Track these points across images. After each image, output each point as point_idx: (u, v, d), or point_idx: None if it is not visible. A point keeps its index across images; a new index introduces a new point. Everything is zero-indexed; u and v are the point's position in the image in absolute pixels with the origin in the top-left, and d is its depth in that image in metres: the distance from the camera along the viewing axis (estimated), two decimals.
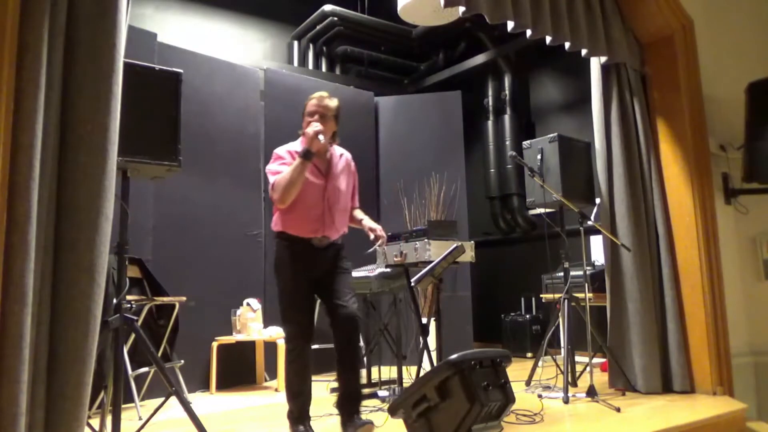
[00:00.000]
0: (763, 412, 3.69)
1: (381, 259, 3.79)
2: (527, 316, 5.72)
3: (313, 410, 3.24)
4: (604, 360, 4.16)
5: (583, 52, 3.58)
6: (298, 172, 2.63)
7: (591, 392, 3.25)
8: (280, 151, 2.84)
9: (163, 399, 2.49)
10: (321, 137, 2.64)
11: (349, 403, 2.73)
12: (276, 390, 4.16)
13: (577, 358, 3.94)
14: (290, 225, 2.76)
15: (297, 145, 2.82)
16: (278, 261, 2.77)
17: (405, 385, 3.63)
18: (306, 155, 2.63)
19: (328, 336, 3.23)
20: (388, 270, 3.72)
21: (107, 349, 2.38)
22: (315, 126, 2.66)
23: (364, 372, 4.39)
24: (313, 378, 4.62)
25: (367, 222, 2.94)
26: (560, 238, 3.80)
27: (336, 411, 2.82)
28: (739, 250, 3.87)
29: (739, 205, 3.88)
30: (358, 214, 3.03)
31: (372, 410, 3.26)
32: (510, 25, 3.16)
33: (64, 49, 1.91)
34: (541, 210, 3.92)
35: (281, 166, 2.74)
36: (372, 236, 2.89)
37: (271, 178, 2.72)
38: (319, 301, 2.90)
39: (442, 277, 3.74)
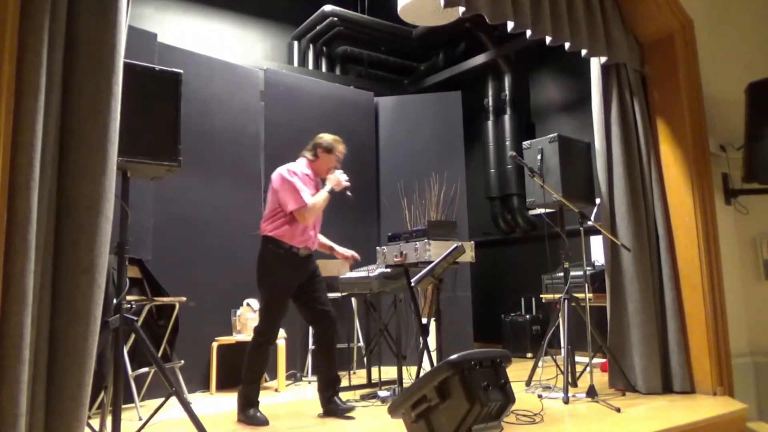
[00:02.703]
0: (763, 412, 3.69)
1: (381, 260, 3.79)
2: (527, 317, 5.72)
3: (313, 409, 3.25)
4: (604, 360, 4.15)
5: (583, 52, 3.58)
6: (326, 203, 3.20)
7: (591, 392, 3.25)
8: (297, 171, 3.22)
9: (163, 399, 2.49)
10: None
11: (330, 387, 3.19)
12: (276, 390, 4.16)
13: (577, 359, 3.93)
14: (287, 234, 3.15)
15: (303, 168, 3.26)
16: (268, 266, 3.18)
17: (405, 385, 3.63)
18: (332, 192, 3.22)
19: None
20: (388, 270, 3.72)
21: (107, 350, 2.38)
22: (346, 180, 3.26)
23: (364, 372, 4.40)
24: (313, 378, 4.68)
25: (341, 250, 3.51)
26: (560, 238, 3.79)
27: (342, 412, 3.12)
28: (739, 250, 3.87)
29: (739, 206, 3.88)
30: (322, 237, 3.47)
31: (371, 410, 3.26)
32: (510, 25, 3.16)
33: (65, 49, 1.91)
34: (541, 210, 3.91)
35: (306, 186, 3.19)
36: (349, 261, 3.53)
37: (306, 197, 3.12)
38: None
39: (442, 278, 3.73)
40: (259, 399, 3.13)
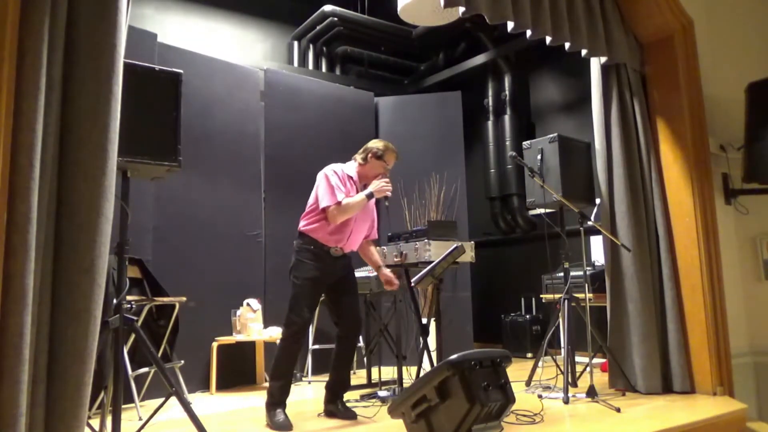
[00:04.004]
0: (763, 412, 3.70)
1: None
2: (527, 317, 5.72)
3: (314, 409, 3.25)
4: (604, 360, 4.15)
5: (583, 52, 3.58)
6: (361, 207, 3.13)
7: (591, 392, 3.25)
8: (339, 171, 3.19)
9: (163, 399, 2.49)
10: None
11: (338, 388, 3.19)
12: None
13: (577, 359, 3.93)
14: (318, 231, 3.11)
15: (348, 170, 3.23)
16: (296, 260, 3.13)
17: (405, 385, 3.63)
18: (370, 197, 3.13)
19: (328, 336, 3.25)
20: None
21: (107, 350, 2.38)
22: (389, 190, 3.17)
23: (364, 372, 4.40)
24: (313, 378, 4.67)
25: (386, 272, 3.35)
26: (560, 238, 3.79)
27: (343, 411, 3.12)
28: (739, 250, 3.87)
29: (739, 206, 3.89)
30: (375, 253, 3.42)
31: (372, 410, 3.26)
32: (510, 25, 3.16)
33: (65, 49, 1.91)
34: (541, 210, 3.92)
35: (343, 186, 3.16)
36: (390, 287, 3.34)
37: (340, 196, 3.08)
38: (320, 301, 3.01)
39: (442, 278, 3.73)
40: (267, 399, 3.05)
